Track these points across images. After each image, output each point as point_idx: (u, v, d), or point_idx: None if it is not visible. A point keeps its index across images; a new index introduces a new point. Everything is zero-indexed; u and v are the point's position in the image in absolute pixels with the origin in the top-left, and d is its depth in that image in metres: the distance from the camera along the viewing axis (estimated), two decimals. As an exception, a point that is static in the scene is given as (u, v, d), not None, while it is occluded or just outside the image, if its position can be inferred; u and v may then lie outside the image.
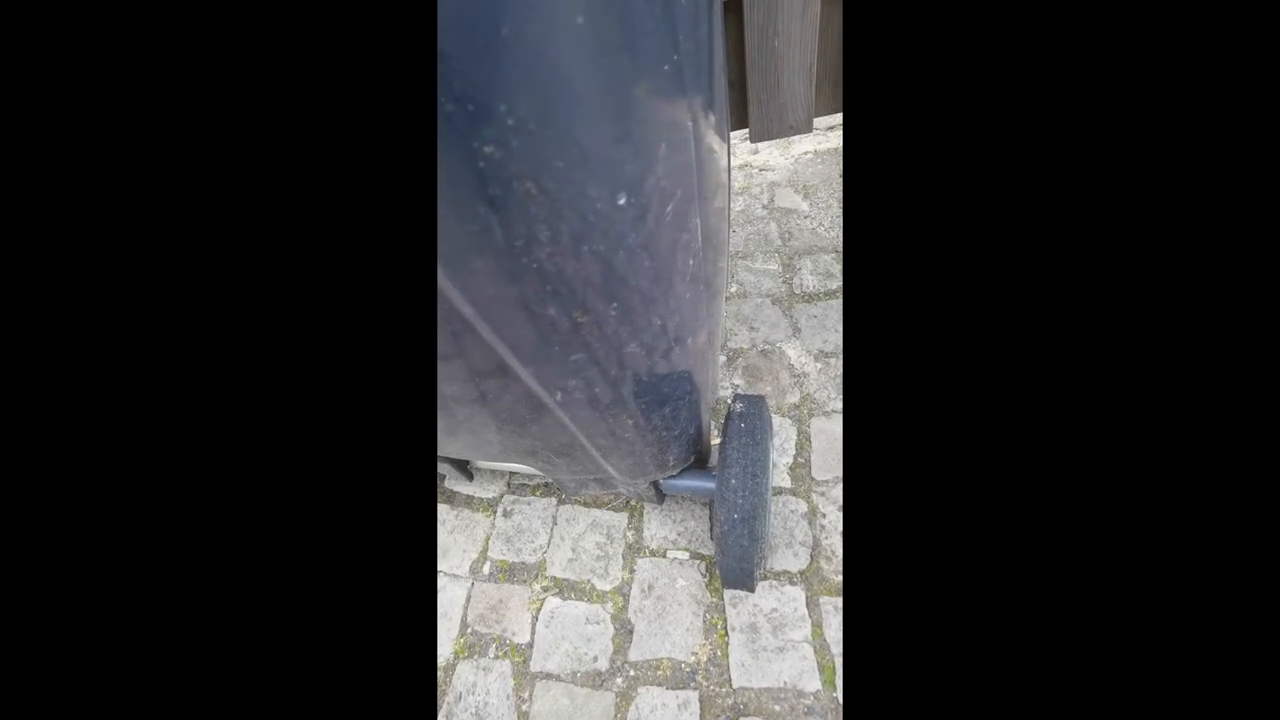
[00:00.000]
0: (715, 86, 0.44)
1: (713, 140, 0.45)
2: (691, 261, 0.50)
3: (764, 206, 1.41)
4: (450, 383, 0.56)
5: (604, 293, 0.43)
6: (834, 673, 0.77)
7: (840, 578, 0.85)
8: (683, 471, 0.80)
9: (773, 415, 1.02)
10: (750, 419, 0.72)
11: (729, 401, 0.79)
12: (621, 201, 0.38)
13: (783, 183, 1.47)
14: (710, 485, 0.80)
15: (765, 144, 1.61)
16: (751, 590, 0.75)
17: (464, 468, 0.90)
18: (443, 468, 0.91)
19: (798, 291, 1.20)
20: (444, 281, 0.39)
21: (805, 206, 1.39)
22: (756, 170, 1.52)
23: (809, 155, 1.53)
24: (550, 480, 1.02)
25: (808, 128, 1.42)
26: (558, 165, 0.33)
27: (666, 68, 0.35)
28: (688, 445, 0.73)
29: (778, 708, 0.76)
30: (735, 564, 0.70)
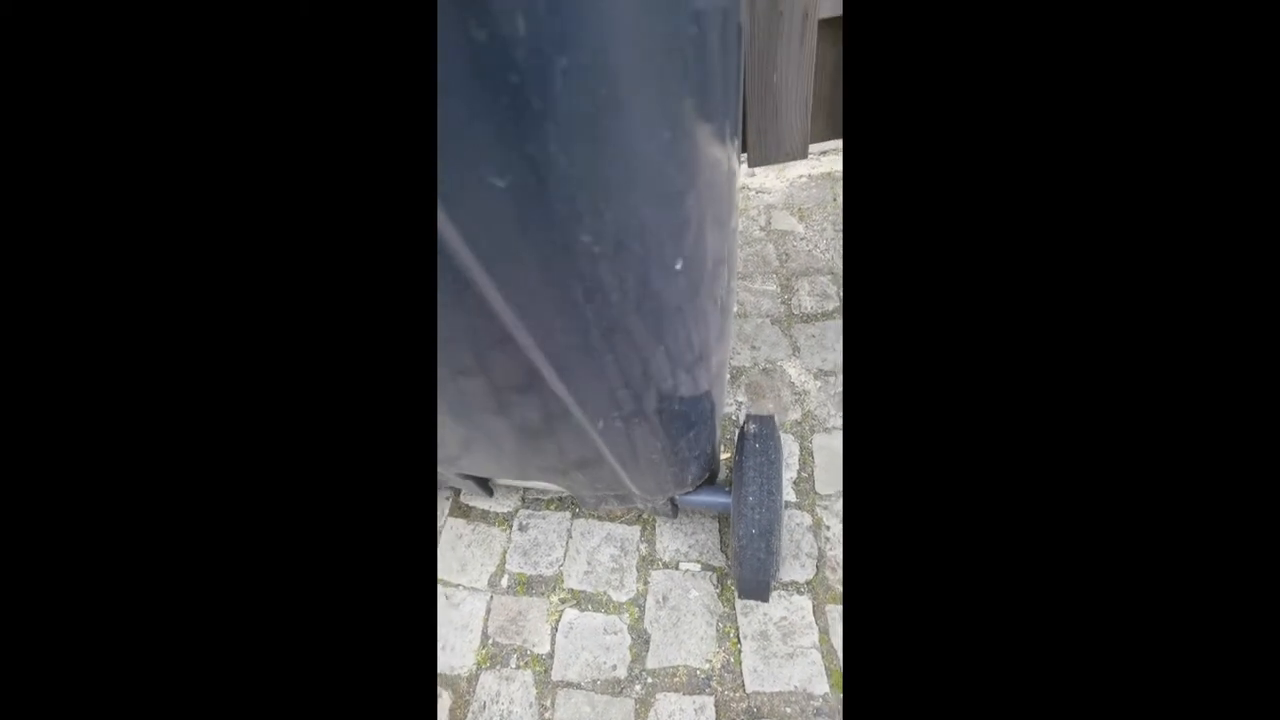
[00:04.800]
0: (738, 113, 0.46)
1: (733, 163, 0.47)
2: (719, 279, 0.52)
3: (761, 229, 1.47)
4: (472, 396, 0.55)
5: (641, 309, 0.43)
6: (841, 676, 0.83)
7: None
8: (698, 488, 0.85)
9: (776, 423, 1.07)
10: (764, 438, 0.77)
11: (741, 421, 0.84)
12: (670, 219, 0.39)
13: (779, 205, 1.53)
14: (725, 500, 0.84)
15: (762, 168, 1.67)
16: (766, 600, 0.80)
17: (485, 485, 0.94)
18: (463, 484, 0.94)
19: (796, 312, 1.26)
20: (484, 286, 0.38)
21: (801, 229, 1.46)
22: (754, 193, 1.58)
23: (803, 179, 1.60)
24: (569, 494, 1.06)
25: (804, 154, 1.49)
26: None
27: (709, 91, 0.37)
28: (705, 464, 0.77)
29: (789, 710, 0.80)
30: (752, 576, 0.75)
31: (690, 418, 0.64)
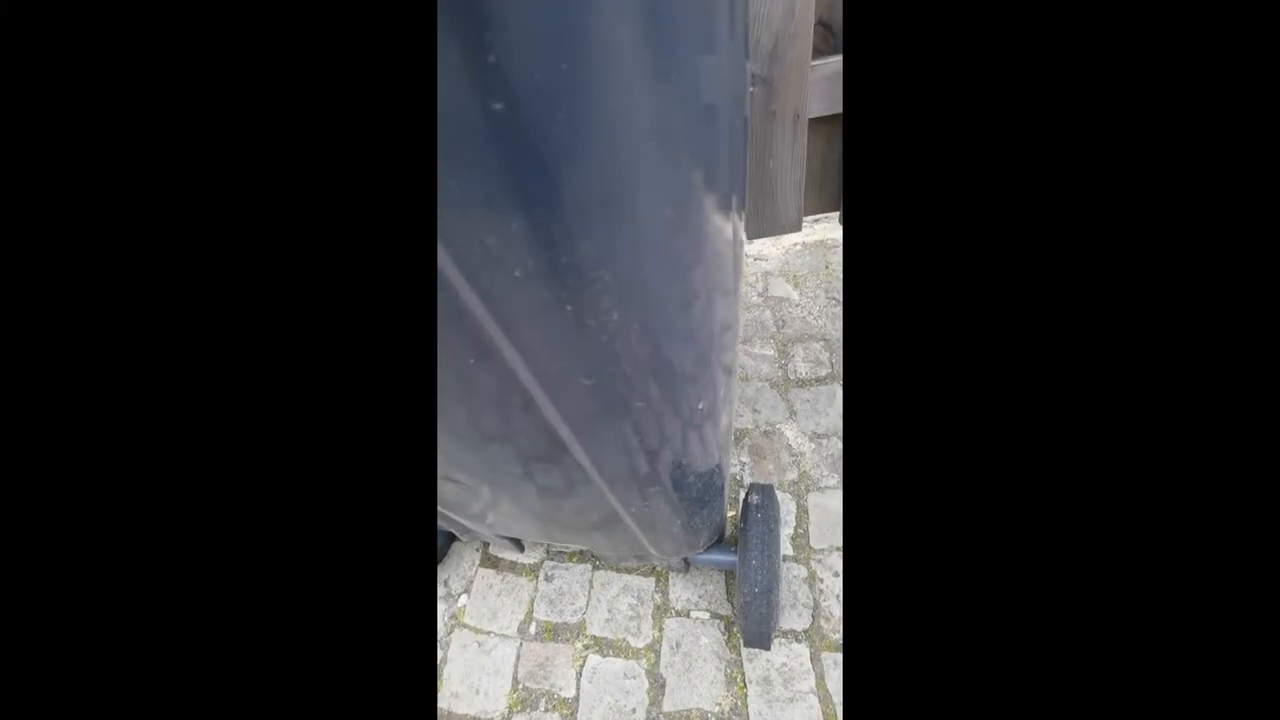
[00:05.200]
0: (744, 192, 0.49)
1: (739, 235, 0.50)
2: (726, 345, 0.55)
3: (759, 295, 1.61)
4: (501, 463, 0.61)
5: (656, 376, 0.47)
6: (835, 719, 0.93)
7: (837, 635, 1.02)
8: (708, 548, 0.97)
9: (775, 492, 1.19)
10: (765, 509, 0.90)
11: (745, 488, 0.96)
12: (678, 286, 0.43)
13: (775, 272, 1.68)
14: (731, 559, 0.96)
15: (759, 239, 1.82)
16: (768, 648, 0.91)
17: (517, 542, 1.05)
18: (497, 541, 1.05)
19: (792, 377, 1.39)
20: (507, 352, 0.40)
21: (796, 295, 1.60)
22: (752, 259, 1.73)
23: (798, 246, 1.75)
24: (590, 550, 1.17)
25: (798, 227, 1.64)
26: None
27: (718, 174, 0.40)
28: (715, 530, 0.90)
29: (789, 748, 0.91)
30: (756, 627, 0.86)
31: (704, 498, 0.76)
